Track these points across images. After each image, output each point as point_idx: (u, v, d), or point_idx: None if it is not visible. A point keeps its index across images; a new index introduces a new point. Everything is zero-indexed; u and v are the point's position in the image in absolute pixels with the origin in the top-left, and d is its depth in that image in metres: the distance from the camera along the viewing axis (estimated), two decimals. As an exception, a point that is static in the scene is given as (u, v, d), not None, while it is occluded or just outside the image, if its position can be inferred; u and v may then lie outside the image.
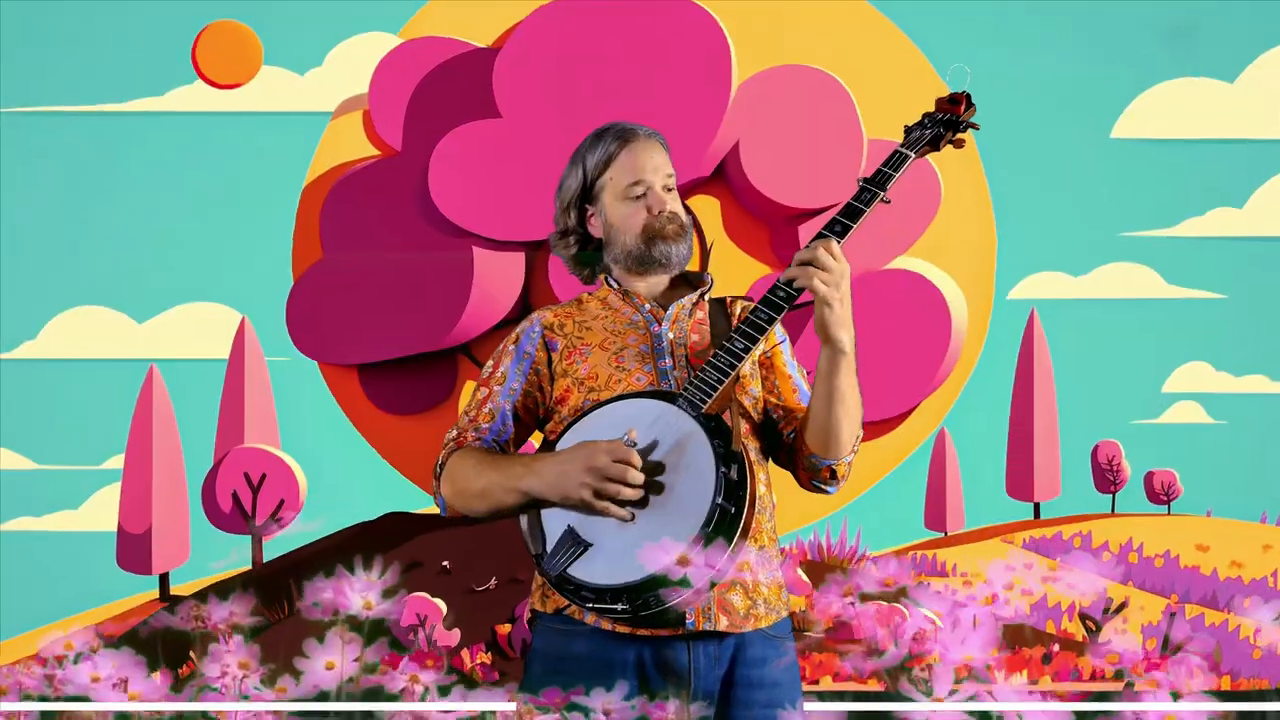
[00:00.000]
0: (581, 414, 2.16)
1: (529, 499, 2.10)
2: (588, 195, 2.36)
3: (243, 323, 4.08)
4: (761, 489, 2.21)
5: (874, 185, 2.13)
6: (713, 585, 2.01)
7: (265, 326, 4.07)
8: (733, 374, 2.07)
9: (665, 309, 2.32)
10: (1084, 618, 3.79)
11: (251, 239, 4.07)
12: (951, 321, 4.04)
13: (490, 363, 2.34)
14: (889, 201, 2.11)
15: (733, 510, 1.97)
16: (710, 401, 2.04)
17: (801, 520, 4.01)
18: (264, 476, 4.02)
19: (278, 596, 3.98)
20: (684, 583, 1.93)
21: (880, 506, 4.01)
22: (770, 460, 2.34)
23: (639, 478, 2.02)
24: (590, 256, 2.40)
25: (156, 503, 4.02)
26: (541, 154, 3.87)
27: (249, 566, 4.03)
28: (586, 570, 2.03)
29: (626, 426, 2.05)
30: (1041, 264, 4.09)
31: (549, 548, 2.07)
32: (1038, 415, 4.08)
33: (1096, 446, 4.10)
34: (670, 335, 2.27)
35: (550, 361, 2.28)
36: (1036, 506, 4.11)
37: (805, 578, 3.99)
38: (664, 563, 1.93)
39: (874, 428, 3.95)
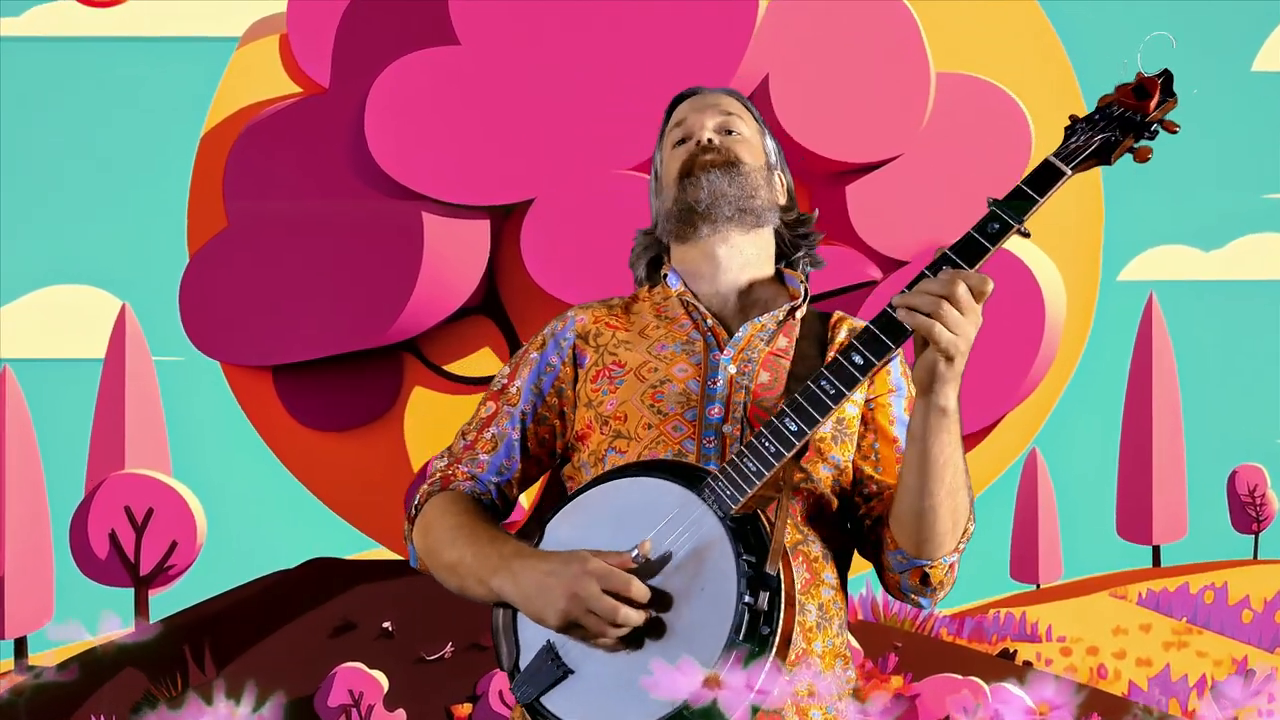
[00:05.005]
0: (583, 487, 2.00)
1: (501, 600, 1.97)
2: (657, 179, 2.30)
3: (123, 311, 3.97)
4: (828, 594, 2.06)
5: (1008, 212, 1.86)
6: None
7: (152, 316, 3.96)
8: (779, 465, 1.88)
9: (735, 329, 2.14)
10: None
11: (135, 203, 3.93)
12: (1046, 311, 3.89)
13: (506, 370, 2.21)
14: (1028, 234, 1.88)
15: (755, 650, 1.84)
16: (744, 501, 1.87)
17: (850, 569, 3.78)
18: (150, 512, 3.90)
19: (168, 668, 3.82)
20: None
21: (953, 550, 3.79)
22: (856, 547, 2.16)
23: (633, 619, 1.83)
24: (649, 242, 2.28)
25: (10, 545, 3.93)
26: (510, 91, 3.80)
27: (130, 629, 3.89)
28: (564, 703, 1.90)
29: (634, 516, 1.92)
30: (1161, 236, 4.00)
31: (523, 663, 1.93)
32: (1157, 432, 4.03)
33: (1234, 473, 4.00)
34: (732, 369, 2.09)
35: (576, 380, 2.14)
36: (1156, 551, 4.05)
37: (854, 643, 3.81)
38: (672, 695, 1.81)
39: (946, 449, 3.89)
